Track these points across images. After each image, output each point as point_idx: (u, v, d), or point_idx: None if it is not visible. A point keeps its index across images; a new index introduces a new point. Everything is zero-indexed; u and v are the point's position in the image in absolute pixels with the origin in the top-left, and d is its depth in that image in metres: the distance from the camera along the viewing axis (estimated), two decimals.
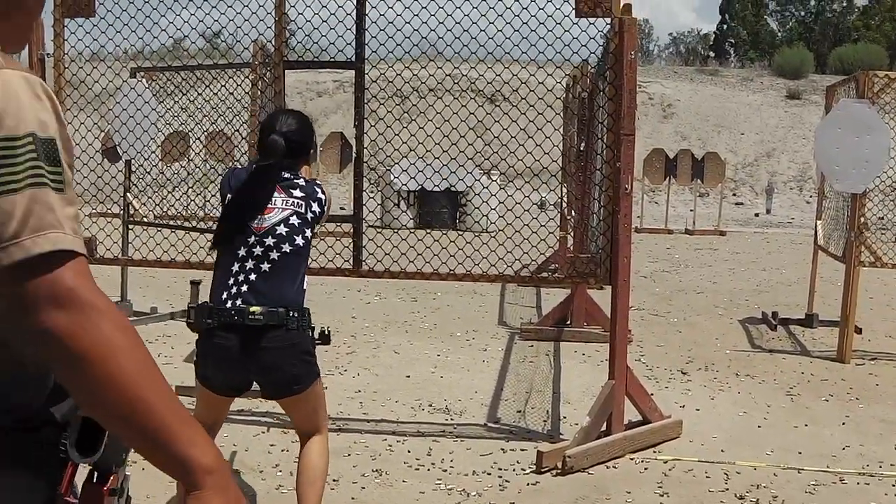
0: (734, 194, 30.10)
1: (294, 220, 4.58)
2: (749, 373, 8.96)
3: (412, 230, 8.15)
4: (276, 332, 4.39)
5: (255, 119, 8.08)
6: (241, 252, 4.51)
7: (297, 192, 4.63)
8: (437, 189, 19.61)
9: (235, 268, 4.50)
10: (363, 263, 6.90)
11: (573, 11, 6.27)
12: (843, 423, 7.49)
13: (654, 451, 6.61)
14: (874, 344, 10.47)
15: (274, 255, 4.51)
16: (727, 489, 5.95)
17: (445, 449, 6.64)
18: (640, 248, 19.20)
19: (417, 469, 6.25)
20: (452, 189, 20.64)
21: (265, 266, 4.49)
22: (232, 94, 9.84)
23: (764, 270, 16.56)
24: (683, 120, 32.58)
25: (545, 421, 7.33)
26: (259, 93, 7.91)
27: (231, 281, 4.49)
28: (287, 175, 4.65)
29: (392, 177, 21.54)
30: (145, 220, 10.08)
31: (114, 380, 1.58)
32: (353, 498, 5.74)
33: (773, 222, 27.07)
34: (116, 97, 9.93)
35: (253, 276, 4.48)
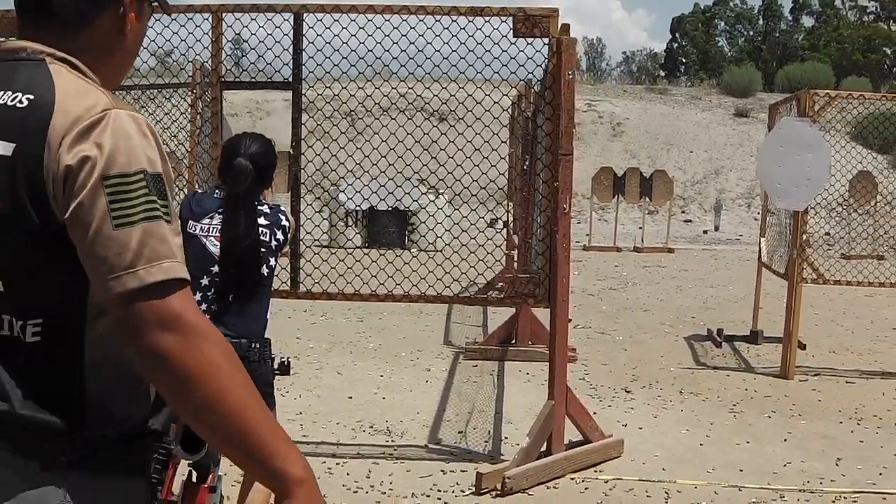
0: (683, 211, 30.22)
1: (259, 249, 4.50)
2: (693, 390, 8.96)
3: (359, 248, 8.07)
4: None
5: (194, 139, 8.00)
6: (205, 281, 4.43)
7: (262, 221, 4.52)
8: (385, 208, 19.59)
9: (199, 297, 4.37)
10: (300, 284, 6.83)
11: (510, 32, 6.24)
12: (786, 440, 7.49)
13: (596, 471, 6.58)
14: (818, 360, 10.51)
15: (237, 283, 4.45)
16: None
17: (385, 471, 6.57)
18: (588, 266, 19.29)
19: (356, 492, 6.18)
20: (401, 208, 20.63)
21: (230, 295, 4.44)
22: (183, 114, 9.73)
23: (711, 287, 16.62)
24: (633, 138, 32.72)
25: (486, 441, 7.28)
26: (197, 113, 7.84)
27: (207, 304, 4.42)
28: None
29: (341, 196, 21.44)
30: None
31: (216, 398, 1.74)
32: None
33: (722, 239, 27.17)
34: None
35: (214, 307, 4.41)
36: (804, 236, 9.48)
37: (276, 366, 4.60)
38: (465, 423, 7.77)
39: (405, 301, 6.94)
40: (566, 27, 6.27)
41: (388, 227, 21.56)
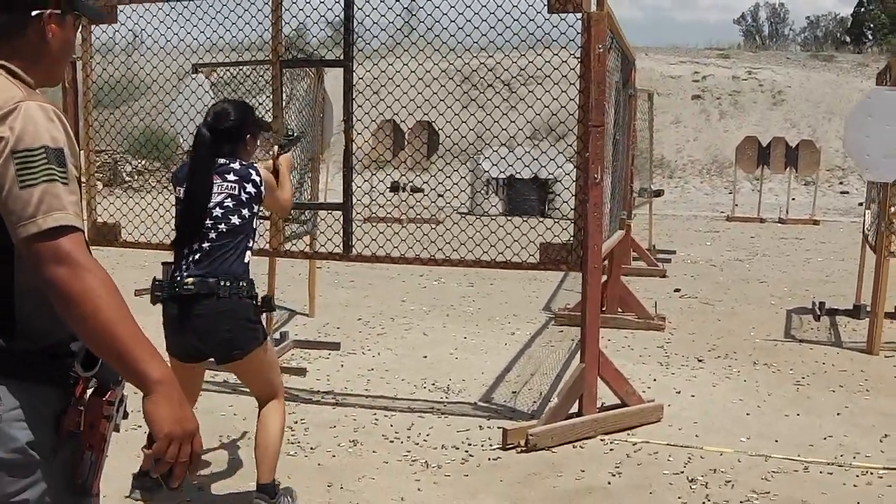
0: (840, 182, 29.50)
1: (228, 202, 5.03)
2: (767, 362, 8.93)
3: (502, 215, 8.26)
4: (206, 300, 4.89)
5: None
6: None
7: (231, 176, 5.06)
8: (526, 176, 19.73)
9: (185, 251, 5.02)
10: (353, 248, 7.10)
11: (545, 7, 6.36)
12: (839, 414, 7.45)
13: (629, 434, 6.70)
14: None
15: (212, 234, 4.98)
16: (682, 472, 6.03)
17: (427, 424, 6.85)
18: (724, 236, 19.17)
19: (392, 441, 6.49)
20: (542, 177, 20.73)
21: (205, 245, 4.98)
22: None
23: (842, 261, 16.29)
24: (793, 107, 32.07)
25: (535, 402, 7.46)
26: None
27: (182, 263, 5.01)
28: (222, 161, 5.07)
29: (484, 163, 21.70)
30: None
31: (93, 316, 2.26)
32: (319, 464, 6.04)
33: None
34: (180, 90, 10.33)
35: (197, 256, 4.97)
36: (893, 209, 9.31)
37: (258, 302, 5.04)
38: (522, 385, 7.96)
39: (446, 265, 7.17)
40: (601, 1, 6.35)
41: (528, 196, 21.75)
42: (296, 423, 6.78)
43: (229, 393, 7.40)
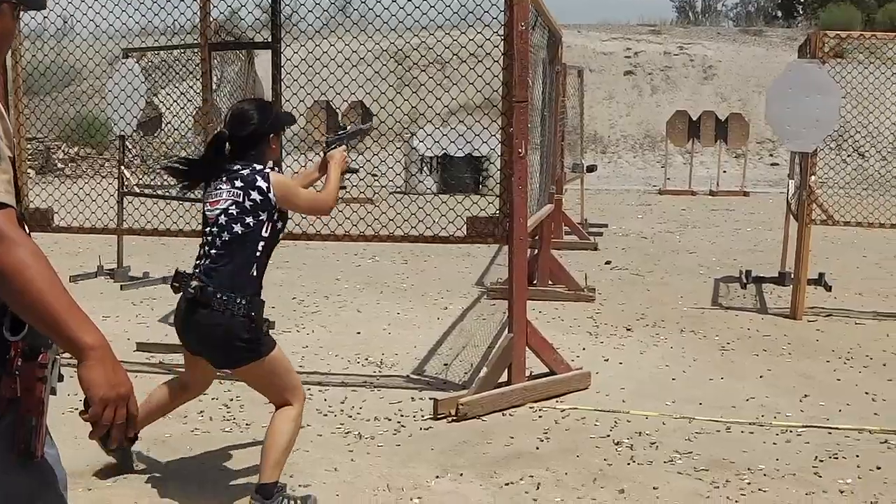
0: (771, 154, 29.91)
1: (232, 209, 4.91)
2: (694, 329, 9.16)
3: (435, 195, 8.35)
4: (203, 309, 4.82)
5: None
6: (203, 238, 5.05)
7: (238, 183, 4.95)
8: (460, 154, 19.83)
9: (201, 251, 5.02)
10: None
11: None
12: (761, 377, 7.68)
13: (557, 401, 6.88)
14: (840, 301, 10.60)
15: (218, 241, 4.92)
16: (608, 436, 6.21)
17: (361, 398, 6.99)
18: (656, 209, 19.43)
19: (326, 415, 6.61)
20: (475, 155, 20.85)
21: (213, 251, 4.93)
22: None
23: (770, 230, 16.57)
24: (724, 81, 32.44)
25: (466, 373, 7.61)
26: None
27: (197, 262, 5.00)
28: (236, 167, 4.99)
29: (416, 142, 21.80)
30: (137, 190, 10.53)
31: (24, 287, 2.30)
32: (254, 439, 6.10)
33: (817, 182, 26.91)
34: (110, 75, 10.38)
35: (206, 261, 4.94)
36: (813, 178, 9.57)
37: (254, 324, 5.00)
38: (454, 357, 8.11)
39: (375, 241, 7.30)
40: None
41: (462, 173, 21.88)
42: (231, 400, 6.88)
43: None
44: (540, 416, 6.57)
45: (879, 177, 15.44)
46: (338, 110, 18.76)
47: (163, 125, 13.41)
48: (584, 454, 5.90)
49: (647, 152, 29.04)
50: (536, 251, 10.65)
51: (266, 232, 4.97)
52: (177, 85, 11.77)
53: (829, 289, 11.00)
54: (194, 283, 4.82)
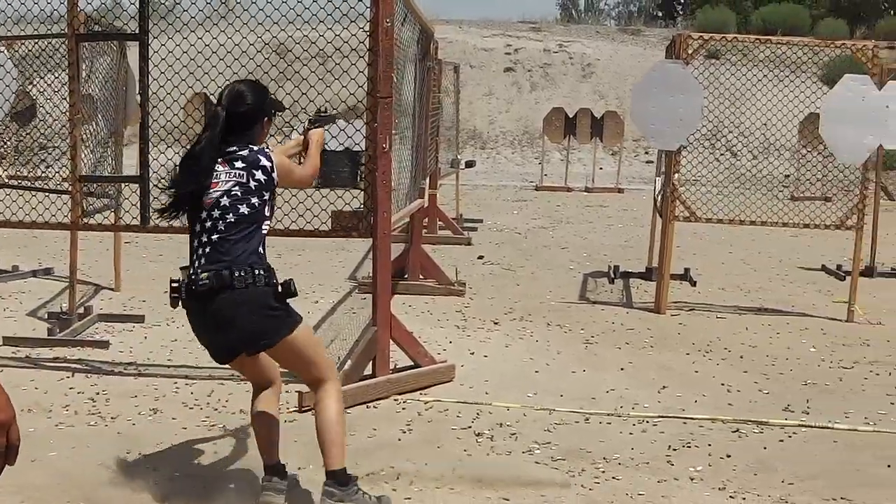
0: (646, 152, 30.38)
1: (236, 190, 4.80)
2: (560, 322, 9.35)
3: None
4: (223, 293, 4.68)
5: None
6: (197, 228, 4.84)
7: (239, 164, 4.85)
8: (337, 148, 19.86)
9: (195, 243, 4.84)
10: (149, 220, 7.17)
11: None
12: (622, 369, 7.89)
13: (422, 394, 6.98)
14: (703, 296, 10.94)
15: (221, 225, 4.77)
16: (470, 427, 6.34)
17: (227, 391, 7.01)
18: (531, 205, 19.69)
19: (192, 408, 6.63)
20: (354, 148, 20.91)
21: (215, 237, 4.77)
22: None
23: (641, 227, 16.86)
24: (602, 79, 32.88)
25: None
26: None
27: (194, 257, 4.83)
28: (232, 148, 4.86)
29: (294, 135, 21.77)
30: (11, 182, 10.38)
31: None
32: (118, 433, 6.12)
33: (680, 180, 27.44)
34: None
35: (207, 248, 4.78)
36: (676, 175, 9.83)
37: (279, 289, 4.91)
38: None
39: None
40: None
41: (340, 168, 21.89)
42: (97, 394, 6.86)
43: (60, 369, 7.43)
44: (403, 409, 6.67)
45: (751, 175, 15.94)
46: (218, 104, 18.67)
47: (37, 115, 13.23)
48: (445, 445, 6.02)
49: (525, 149, 29.32)
50: (408, 246, 10.75)
51: (268, 211, 4.95)
52: (54, 74, 11.62)
53: (693, 284, 11.33)
54: (204, 275, 4.68)
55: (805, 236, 15.18)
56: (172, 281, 4.83)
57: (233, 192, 4.79)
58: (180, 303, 4.83)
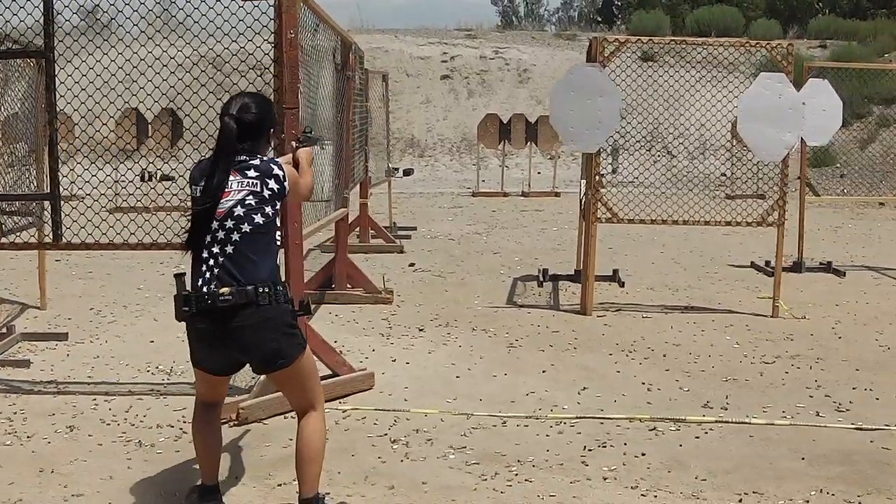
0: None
1: (250, 199, 4.71)
2: (486, 327, 9.37)
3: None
4: (247, 310, 4.60)
5: None
6: (208, 239, 4.69)
7: (252, 173, 4.75)
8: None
9: (205, 254, 4.69)
10: (62, 237, 7.12)
11: None
12: (544, 371, 7.92)
13: (340, 402, 6.97)
14: (631, 296, 11.02)
15: (235, 236, 4.68)
16: (386, 434, 6.35)
17: (145, 406, 6.96)
18: (467, 211, 19.73)
19: (109, 424, 6.58)
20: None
21: (229, 248, 4.67)
22: None
23: (575, 230, 16.96)
24: (539, 84, 32.96)
25: (253, 378, 7.60)
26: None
27: (204, 268, 4.69)
28: (242, 157, 4.76)
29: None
30: None
31: None
32: (33, 451, 6.07)
33: (616, 182, 27.59)
34: None
35: (221, 259, 4.67)
36: (597, 177, 9.89)
37: (296, 306, 4.86)
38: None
39: (155, 249, 7.24)
40: None
41: None
42: (15, 413, 6.79)
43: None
44: None
45: (687, 174, 16.05)
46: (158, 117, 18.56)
47: None
48: (360, 453, 6.02)
49: (464, 155, 29.33)
50: (334, 255, 10.75)
51: (279, 221, 4.89)
52: None
53: (622, 284, 11.40)
54: (226, 290, 4.59)
55: (737, 234, 15.37)
56: (180, 293, 4.71)
57: (248, 202, 4.70)
58: (188, 317, 4.72)
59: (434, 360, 8.21)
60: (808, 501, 5.40)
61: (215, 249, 4.68)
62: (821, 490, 5.54)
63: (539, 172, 25.59)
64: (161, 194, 15.16)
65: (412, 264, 13.15)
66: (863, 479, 5.73)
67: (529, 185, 23.59)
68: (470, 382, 7.59)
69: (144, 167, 20.30)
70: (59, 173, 7.08)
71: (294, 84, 6.50)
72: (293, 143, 5.62)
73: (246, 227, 4.68)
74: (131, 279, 12.13)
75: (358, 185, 13.38)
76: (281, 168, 4.87)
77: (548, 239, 16.01)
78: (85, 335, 9.13)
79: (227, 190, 4.70)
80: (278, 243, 4.90)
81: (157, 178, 19.54)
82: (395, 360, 8.12)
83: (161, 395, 7.25)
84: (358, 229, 14.44)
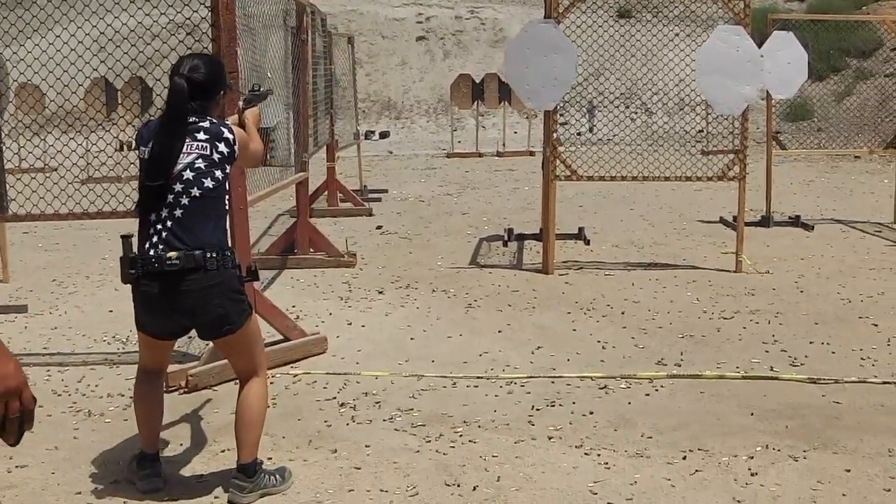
0: (561, 115, 30.47)
1: (200, 162, 4.66)
2: (446, 288, 9.34)
3: None
4: (194, 274, 4.57)
5: None
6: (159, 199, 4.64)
7: (202, 136, 4.68)
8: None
9: (153, 218, 4.65)
10: (8, 209, 7.07)
11: None
12: (500, 332, 7.89)
13: (291, 367, 6.95)
14: (596, 254, 10.98)
15: (184, 200, 4.63)
16: (335, 398, 6.33)
17: (98, 376, 6.94)
18: (440, 173, 19.66)
19: (60, 395, 6.55)
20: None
21: (178, 212, 4.62)
22: None
23: None
24: None
25: (207, 344, 7.59)
26: None
27: (151, 231, 4.64)
28: (192, 119, 4.69)
29: None
30: None
31: None
32: None
33: (593, 140, 27.52)
34: None
35: (169, 223, 4.61)
36: (555, 135, 9.85)
37: (243, 272, 4.81)
38: None
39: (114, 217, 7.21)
40: None
41: None
42: None
43: None
44: (272, 383, 6.57)
45: (664, 132, 16.04)
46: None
47: None
48: (306, 417, 6.00)
49: (440, 117, 29.21)
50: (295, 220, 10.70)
51: (228, 185, 4.83)
52: None
53: (587, 242, 11.34)
54: (173, 255, 4.53)
55: (709, 190, 15.35)
56: (126, 256, 4.66)
57: (196, 165, 4.64)
58: (133, 280, 4.68)
59: (390, 323, 8.18)
60: (752, 457, 5.39)
61: (163, 213, 4.63)
62: (766, 445, 5.54)
63: (515, 132, 25.52)
64: (133, 163, 15.11)
65: (379, 227, 13.10)
66: (811, 433, 5.74)
67: (504, 145, 23.53)
68: (424, 344, 7.57)
69: (116, 135, 20.23)
70: (2, 145, 7.03)
71: (232, 48, 6.44)
72: (239, 104, 5.52)
73: (195, 192, 4.64)
74: (96, 250, 12.05)
75: (325, 149, 13.32)
76: (231, 131, 4.80)
77: (518, 199, 15.98)
78: (45, 306, 9.08)
79: None
80: (227, 207, 4.85)
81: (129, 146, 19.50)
82: (350, 324, 8.09)
83: (114, 364, 7.22)
84: (326, 193, 14.37)
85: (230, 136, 4.76)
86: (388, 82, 30.33)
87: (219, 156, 4.71)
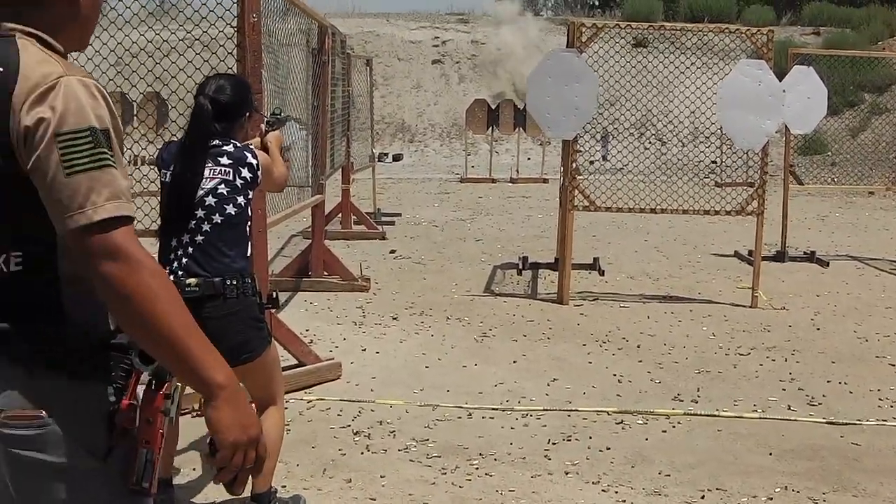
0: (576, 142, 30.43)
1: (222, 188, 4.56)
2: (460, 316, 9.28)
3: None
4: (213, 302, 4.47)
5: None
6: (180, 224, 4.55)
7: (225, 160, 4.58)
8: None
9: (174, 243, 4.55)
10: None
11: None
12: (515, 362, 7.83)
13: (306, 392, 6.89)
14: (610, 285, 10.93)
15: (206, 226, 4.53)
16: (349, 426, 6.26)
17: None
18: (454, 198, 19.62)
19: None
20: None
21: (199, 238, 4.52)
22: None
23: None
24: (530, 70, 32.92)
25: None
26: None
27: (172, 256, 4.54)
28: (215, 142, 4.60)
29: None
30: None
31: (151, 316, 2.10)
32: None
33: (605, 169, 27.47)
34: None
35: (190, 249, 4.52)
36: (574, 165, 9.81)
37: (264, 300, 4.73)
38: None
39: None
40: None
41: None
42: None
43: None
44: (286, 408, 6.56)
45: (678, 161, 15.98)
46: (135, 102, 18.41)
47: None
48: (321, 445, 5.94)
49: (454, 141, 29.21)
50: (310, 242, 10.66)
51: (250, 212, 4.75)
52: None
53: (602, 273, 11.31)
54: (192, 281, 4.45)
55: (723, 223, 15.27)
56: None
57: (219, 191, 4.55)
58: None
59: (405, 350, 8.12)
60: (771, 498, 5.34)
61: (185, 239, 4.54)
62: (786, 487, 5.48)
63: (529, 158, 25.51)
64: (146, 175, 15.10)
65: (393, 251, 13.05)
66: (830, 475, 5.67)
67: (518, 172, 23.47)
68: (439, 372, 7.50)
69: (128, 147, 20.25)
70: None
71: (257, 69, 6.40)
72: (262, 127, 5.48)
73: (217, 218, 4.54)
74: None
75: (340, 171, 13.29)
76: (255, 156, 4.71)
77: (532, 226, 15.92)
78: None
79: None
80: (248, 233, 4.77)
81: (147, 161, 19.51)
82: (364, 350, 8.03)
83: None
84: (340, 215, 14.33)
85: (254, 162, 4.67)
86: (403, 105, 30.34)
87: (242, 181, 4.61)
